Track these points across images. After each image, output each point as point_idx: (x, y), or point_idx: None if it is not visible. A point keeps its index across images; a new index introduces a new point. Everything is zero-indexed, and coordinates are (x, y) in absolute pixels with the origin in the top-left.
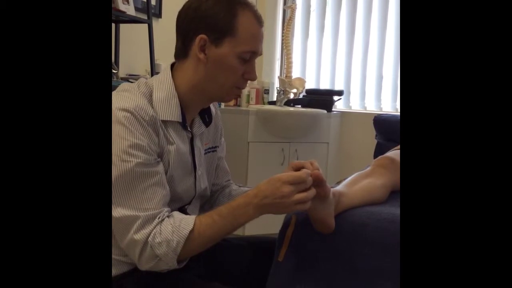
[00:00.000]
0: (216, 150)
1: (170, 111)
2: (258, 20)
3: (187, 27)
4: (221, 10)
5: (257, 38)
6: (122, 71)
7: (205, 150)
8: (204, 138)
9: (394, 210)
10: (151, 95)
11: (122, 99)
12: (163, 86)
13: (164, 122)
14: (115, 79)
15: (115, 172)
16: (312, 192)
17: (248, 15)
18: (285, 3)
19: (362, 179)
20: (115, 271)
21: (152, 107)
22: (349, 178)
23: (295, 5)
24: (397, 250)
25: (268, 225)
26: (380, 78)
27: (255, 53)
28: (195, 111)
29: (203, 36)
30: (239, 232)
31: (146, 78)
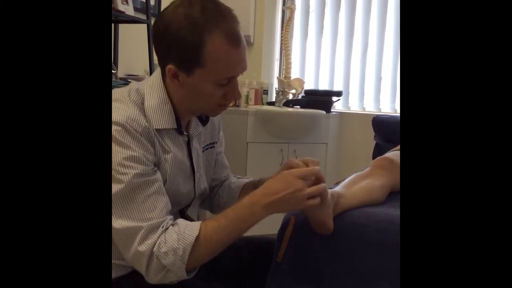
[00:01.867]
0: (214, 146)
1: (164, 119)
2: (232, 41)
3: (158, 48)
4: (187, 35)
5: (231, 63)
6: (121, 71)
7: (203, 147)
8: (201, 137)
9: (393, 211)
10: (143, 103)
11: (113, 111)
12: (154, 93)
13: (159, 130)
14: (114, 79)
15: (113, 186)
16: (323, 186)
17: (217, 41)
18: (284, 4)
19: (361, 180)
20: (113, 274)
21: (145, 116)
22: (348, 179)
23: (294, 5)
24: (396, 251)
25: (267, 225)
26: (379, 79)
27: (233, 77)
28: (189, 115)
29: (171, 67)
30: None
31: (138, 80)
